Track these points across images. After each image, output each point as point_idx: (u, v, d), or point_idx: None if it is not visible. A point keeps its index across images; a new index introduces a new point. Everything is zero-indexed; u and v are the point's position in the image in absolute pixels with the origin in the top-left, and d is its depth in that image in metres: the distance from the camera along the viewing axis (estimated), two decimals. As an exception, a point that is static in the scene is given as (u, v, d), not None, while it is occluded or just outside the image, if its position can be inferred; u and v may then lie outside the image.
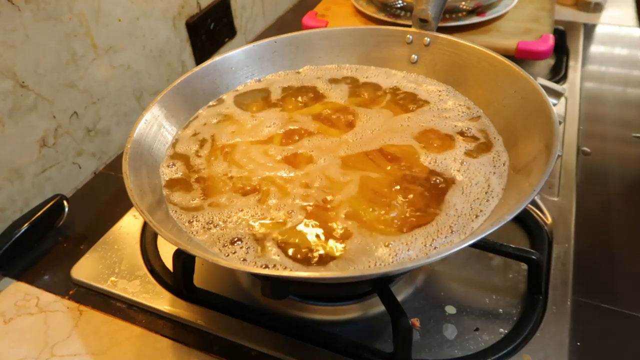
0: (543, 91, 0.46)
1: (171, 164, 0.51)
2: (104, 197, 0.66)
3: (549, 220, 0.55)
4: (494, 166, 0.47)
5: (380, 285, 0.45)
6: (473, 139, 0.50)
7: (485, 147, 0.49)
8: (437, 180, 0.46)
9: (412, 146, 0.50)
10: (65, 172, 0.66)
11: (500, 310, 0.47)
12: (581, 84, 0.79)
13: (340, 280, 0.44)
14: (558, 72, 0.81)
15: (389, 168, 0.48)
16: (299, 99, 0.59)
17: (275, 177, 0.48)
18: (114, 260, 0.55)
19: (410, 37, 0.60)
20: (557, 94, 0.72)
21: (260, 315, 0.49)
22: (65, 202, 0.60)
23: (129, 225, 0.60)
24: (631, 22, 0.98)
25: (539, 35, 0.76)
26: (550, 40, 0.75)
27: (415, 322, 0.46)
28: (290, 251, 0.41)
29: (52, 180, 0.64)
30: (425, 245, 0.41)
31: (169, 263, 0.54)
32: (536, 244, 0.53)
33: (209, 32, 0.86)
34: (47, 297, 0.53)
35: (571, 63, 0.84)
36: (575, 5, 1.03)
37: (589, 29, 0.95)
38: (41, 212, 0.57)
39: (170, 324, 0.49)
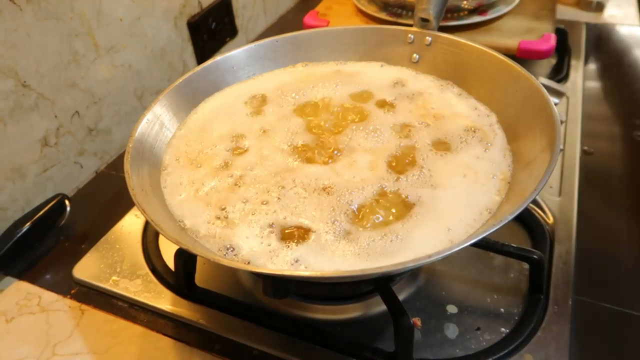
0: (545, 91, 0.46)
1: (172, 163, 0.51)
2: (105, 197, 0.66)
3: (551, 219, 0.55)
4: (496, 162, 0.47)
5: (381, 284, 0.45)
6: (475, 137, 0.50)
7: (486, 146, 0.49)
8: (437, 181, 0.46)
9: (413, 147, 0.50)
10: (66, 172, 0.66)
11: (502, 309, 0.47)
12: (583, 84, 0.79)
13: (341, 279, 0.44)
14: (560, 72, 0.81)
15: (390, 170, 0.48)
16: (300, 98, 0.59)
17: (273, 177, 0.48)
18: (116, 259, 0.55)
19: (412, 36, 0.60)
20: (559, 94, 0.72)
21: (261, 314, 0.49)
22: (66, 202, 0.60)
23: (131, 224, 0.60)
24: (633, 21, 0.97)
25: (541, 34, 0.76)
26: (552, 39, 0.75)
27: (417, 321, 0.46)
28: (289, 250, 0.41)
29: (54, 180, 0.64)
30: (424, 246, 0.41)
31: (170, 262, 0.54)
32: (538, 244, 0.53)
33: (211, 32, 0.86)
34: (48, 297, 0.53)
35: (573, 62, 0.84)
36: (577, 5, 1.03)
37: (591, 28, 0.95)
38: (43, 211, 0.58)
39: (172, 323, 0.49)
